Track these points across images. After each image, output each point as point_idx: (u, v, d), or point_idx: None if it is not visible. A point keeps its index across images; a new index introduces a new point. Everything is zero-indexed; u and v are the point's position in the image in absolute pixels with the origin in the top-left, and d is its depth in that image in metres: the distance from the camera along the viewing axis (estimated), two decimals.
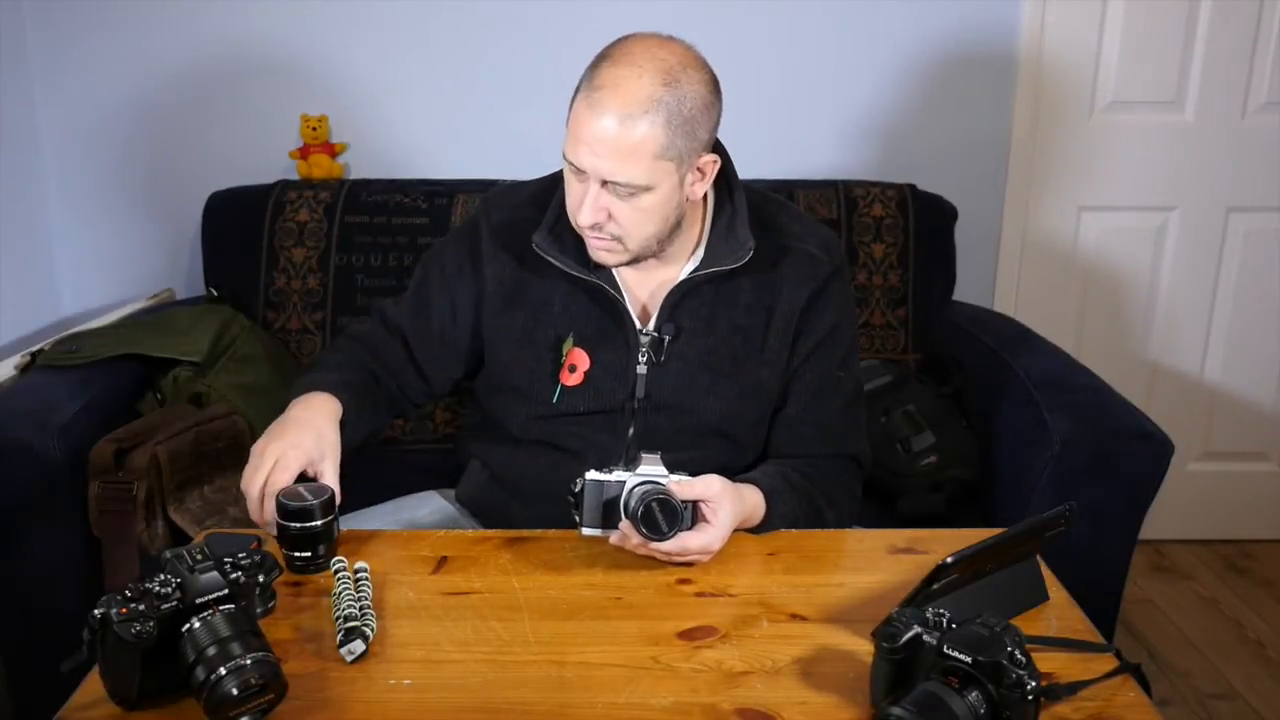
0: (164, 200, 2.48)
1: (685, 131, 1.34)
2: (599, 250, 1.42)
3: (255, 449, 1.33)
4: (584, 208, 1.37)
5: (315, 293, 2.27)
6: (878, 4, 2.44)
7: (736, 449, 1.53)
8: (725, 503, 1.30)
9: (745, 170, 1.48)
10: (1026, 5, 2.46)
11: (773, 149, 2.29)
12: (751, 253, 1.45)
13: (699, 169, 1.40)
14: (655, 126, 1.32)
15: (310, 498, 1.26)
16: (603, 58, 1.36)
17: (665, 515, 1.25)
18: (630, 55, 1.34)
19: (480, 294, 1.52)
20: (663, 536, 1.25)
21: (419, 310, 1.56)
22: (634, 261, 1.44)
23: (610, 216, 1.38)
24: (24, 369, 1.99)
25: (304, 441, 1.34)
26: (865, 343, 2.30)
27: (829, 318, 1.52)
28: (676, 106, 1.33)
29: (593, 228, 1.38)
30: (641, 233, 1.40)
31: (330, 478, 1.34)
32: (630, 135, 1.32)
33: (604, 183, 1.35)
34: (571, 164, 1.37)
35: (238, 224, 2.32)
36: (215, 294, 2.28)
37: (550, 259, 1.46)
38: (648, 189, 1.36)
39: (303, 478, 1.33)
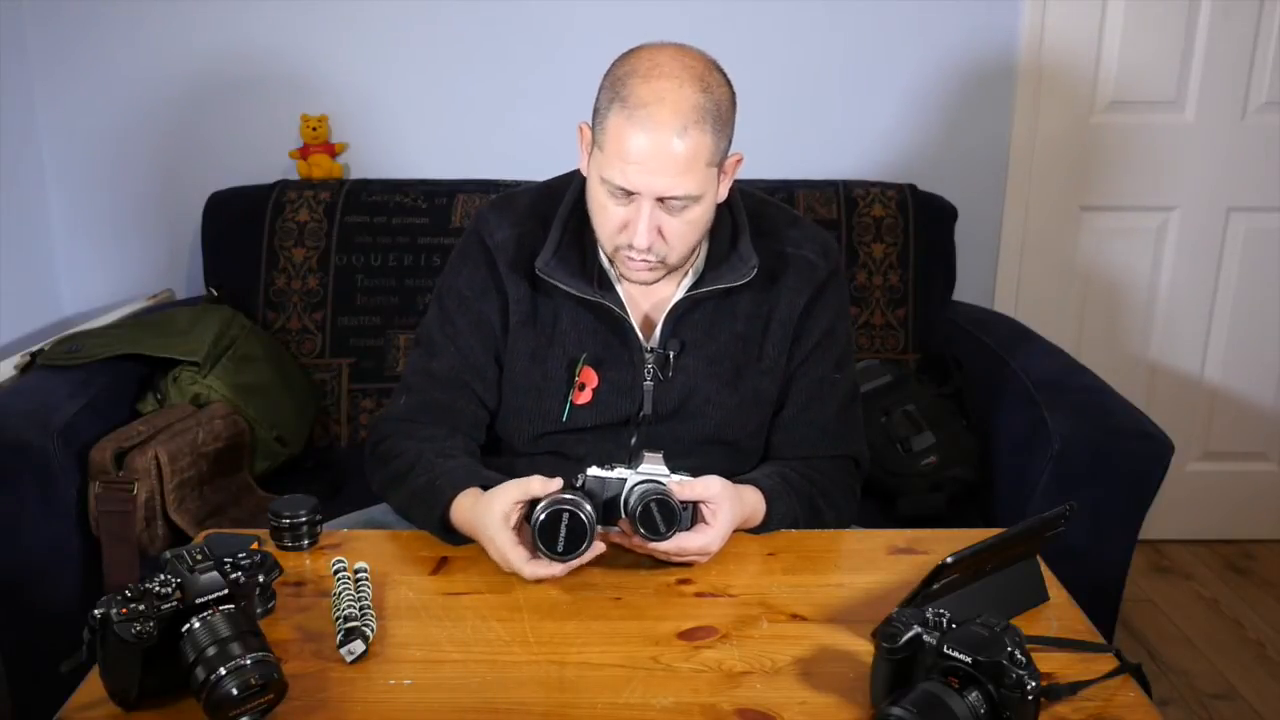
0: (164, 200, 2.48)
1: (723, 133, 1.34)
2: (640, 270, 1.39)
3: (504, 562, 1.26)
4: (640, 231, 1.33)
5: (315, 293, 2.27)
6: (878, 4, 2.44)
7: (737, 455, 1.53)
8: (725, 504, 1.29)
9: (745, 170, 1.48)
10: (1027, 5, 2.46)
11: (773, 149, 2.28)
12: (755, 271, 1.45)
13: (724, 170, 1.39)
14: (705, 134, 1.31)
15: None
16: (627, 74, 1.32)
17: (663, 516, 1.25)
18: (659, 66, 1.31)
19: (504, 310, 1.49)
20: (660, 537, 1.25)
21: (465, 354, 1.49)
22: (666, 275, 1.43)
23: (660, 234, 1.35)
24: (24, 369, 1.99)
25: (499, 527, 1.27)
26: (865, 343, 2.30)
27: (825, 321, 1.52)
28: (715, 110, 1.32)
29: (646, 250, 1.35)
30: (687, 245, 1.39)
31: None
32: (688, 147, 1.29)
33: (657, 200, 1.33)
34: (618, 187, 1.33)
35: (238, 224, 2.32)
36: (215, 294, 2.28)
37: (556, 283, 1.44)
38: (698, 199, 1.34)
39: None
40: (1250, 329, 2.68)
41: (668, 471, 1.30)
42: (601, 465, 1.30)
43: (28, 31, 2.37)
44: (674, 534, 1.26)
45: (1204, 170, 2.58)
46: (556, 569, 1.25)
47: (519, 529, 1.26)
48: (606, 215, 1.37)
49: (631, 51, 1.36)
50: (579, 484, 1.29)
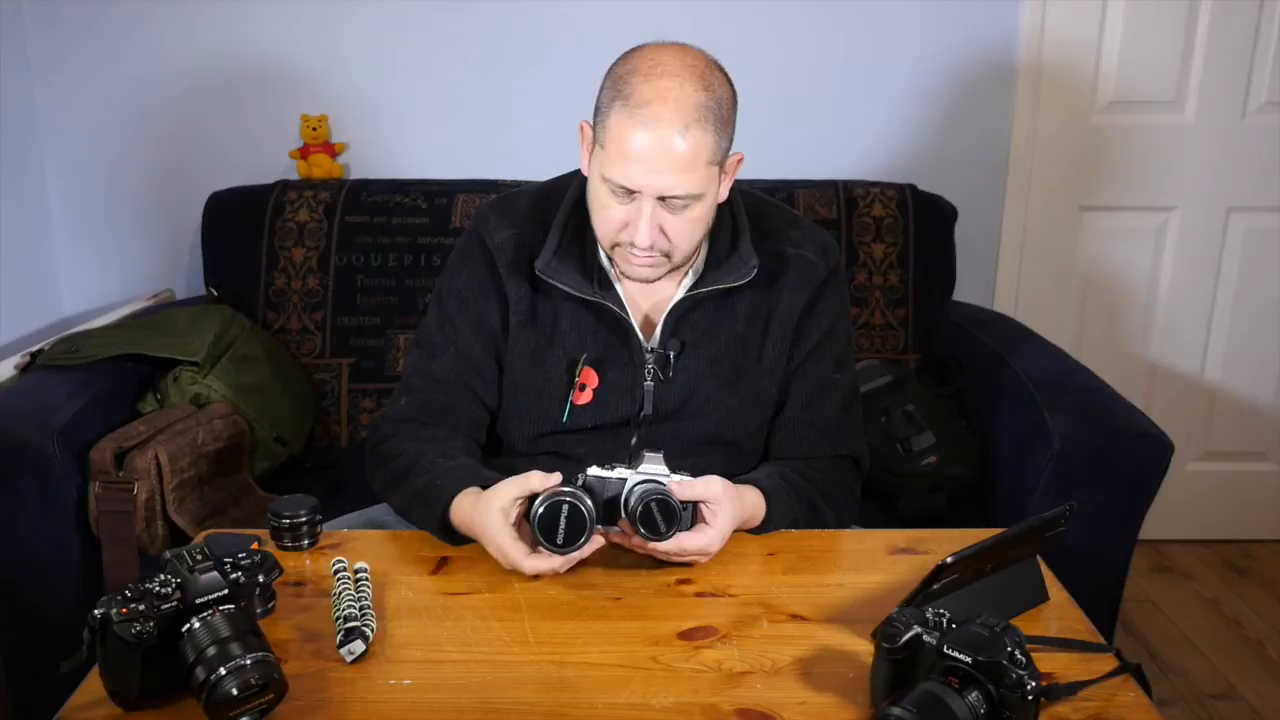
0: (164, 200, 2.48)
1: (725, 132, 1.34)
2: (642, 268, 1.39)
3: (503, 558, 1.26)
4: (641, 229, 1.34)
5: (315, 293, 2.27)
6: (878, 4, 2.44)
7: (738, 455, 1.53)
8: (725, 504, 1.29)
9: (745, 170, 1.48)
10: (1027, 6, 2.46)
11: (773, 149, 2.29)
12: (755, 271, 1.45)
13: (725, 169, 1.40)
14: (707, 133, 1.31)
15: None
16: (629, 73, 1.32)
17: (663, 516, 1.25)
18: (661, 65, 1.31)
19: (505, 310, 1.49)
20: (660, 537, 1.25)
21: (465, 355, 1.49)
22: (668, 273, 1.43)
23: (662, 232, 1.35)
24: (24, 369, 1.99)
25: (499, 524, 1.27)
26: (865, 343, 2.30)
27: (825, 321, 1.52)
28: (716, 109, 1.32)
29: (648, 248, 1.36)
30: (689, 243, 1.39)
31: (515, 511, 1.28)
32: (689, 146, 1.30)
33: (659, 199, 1.33)
34: (619, 185, 1.33)
35: (238, 224, 2.32)
36: (215, 294, 2.28)
37: (556, 284, 1.44)
38: (700, 198, 1.35)
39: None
40: (1250, 329, 2.68)
41: (668, 471, 1.29)
42: (601, 465, 1.30)
43: (28, 31, 2.37)
44: (674, 534, 1.26)
45: (1204, 170, 2.58)
46: (556, 562, 1.25)
47: (518, 525, 1.26)
48: (608, 214, 1.37)
49: (633, 50, 1.36)
50: (579, 484, 1.30)
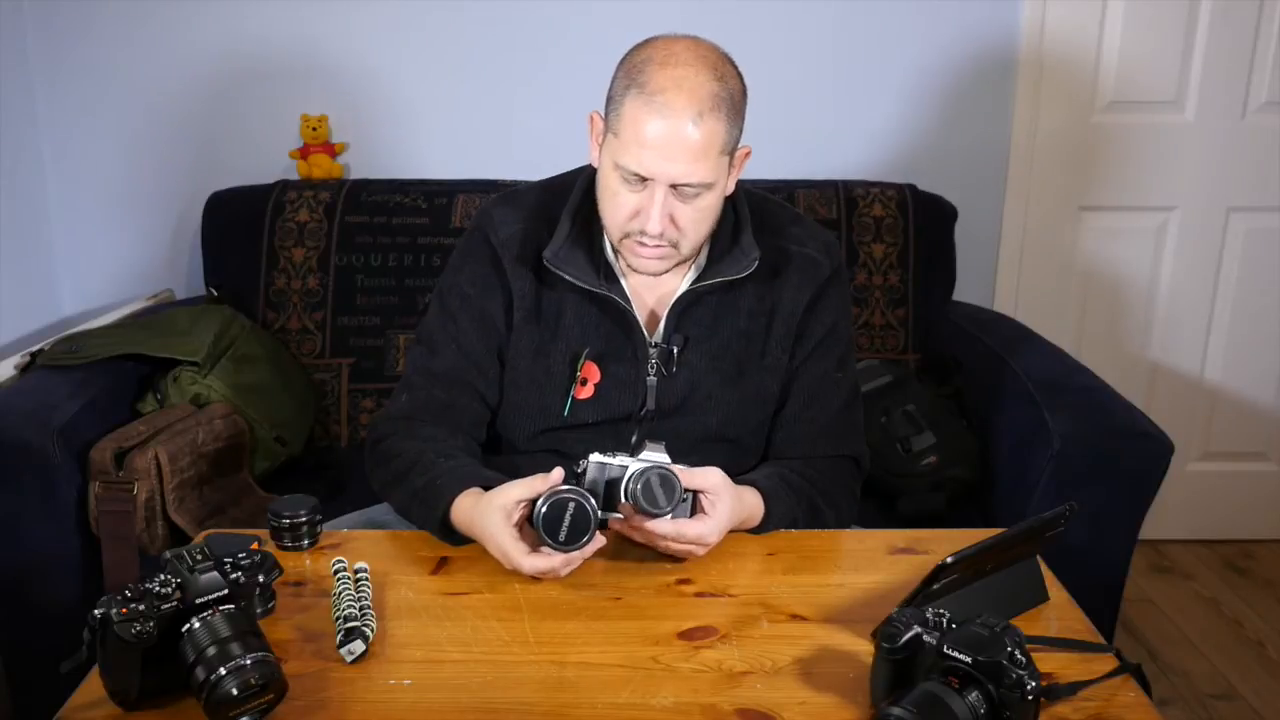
0: (164, 200, 2.48)
1: (736, 123, 1.35)
2: (651, 259, 1.40)
3: (504, 558, 1.26)
4: (653, 216, 1.34)
5: (315, 293, 2.27)
6: (878, 4, 2.44)
7: (739, 452, 1.52)
8: (724, 496, 1.30)
9: (745, 170, 1.48)
10: (1027, 5, 2.46)
11: (773, 149, 2.28)
12: (757, 263, 1.45)
13: (734, 161, 1.40)
14: (720, 121, 1.32)
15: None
16: (644, 61, 1.33)
17: (664, 489, 1.24)
18: (675, 55, 1.33)
19: (508, 305, 1.49)
20: (660, 511, 1.25)
21: (466, 352, 1.49)
22: (674, 267, 1.43)
23: (672, 221, 1.36)
24: (24, 369, 1.99)
25: (500, 523, 1.27)
26: (865, 342, 2.30)
27: (827, 319, 1.52)
28: (729, 98, 1.33)
29: (658, 235, 1.36)
30: (698, 233, 1.40)
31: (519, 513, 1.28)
32: (703, 134, 1.31)
33: (671, 186, 1.34)
34: (632, 173, 1.34)
35: (238, 224, 2.32)
36: (215, 294, 2.28)
37: (563, 274, 1.45)
38: (710, 186, 1.35)
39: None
40: (1250, 329, 2.68)
41: (669, 460, 1.29)
42: (604, 453, 1.30)
43: (28, 32, 2.37)
44: (673, 508, 1.25)
45: (1204, 170, 2.58)
46: (556, 562, 1.24)
47: (520, 526, 1.26)
48: (619, 202, 1.37)
49: (647, 41, 1.37)
50: (580, 469, 1.30)
